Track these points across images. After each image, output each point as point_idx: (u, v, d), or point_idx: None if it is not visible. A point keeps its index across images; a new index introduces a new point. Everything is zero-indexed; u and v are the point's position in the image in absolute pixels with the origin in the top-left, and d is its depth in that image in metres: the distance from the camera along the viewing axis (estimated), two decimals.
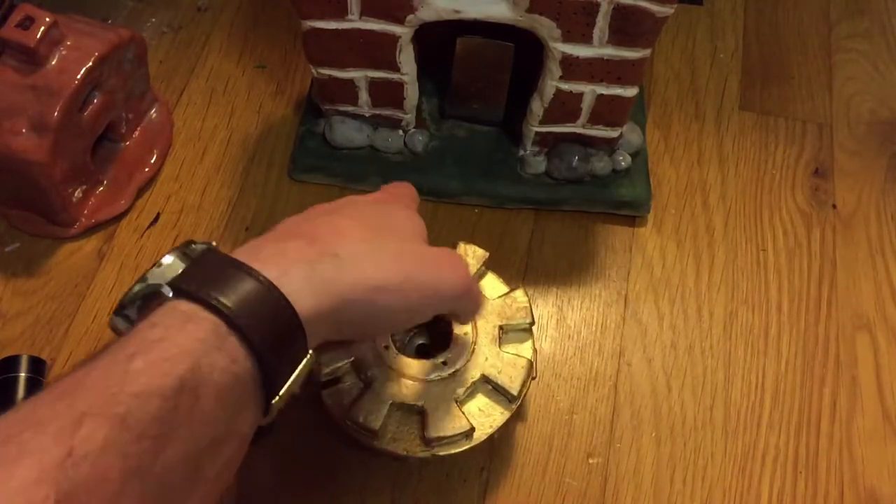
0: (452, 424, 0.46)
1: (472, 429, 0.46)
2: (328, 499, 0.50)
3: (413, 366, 0.47)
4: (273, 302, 0.32)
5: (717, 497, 0.51)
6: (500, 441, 0.52)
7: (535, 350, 0.50)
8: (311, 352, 0.34)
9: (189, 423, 0.29)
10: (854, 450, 0.53)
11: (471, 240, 0.59)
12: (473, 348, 0.48)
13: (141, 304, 0.34)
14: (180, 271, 0.33)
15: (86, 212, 0.59)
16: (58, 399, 0.28)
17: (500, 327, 0.50)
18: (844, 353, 0.57)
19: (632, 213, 0.62)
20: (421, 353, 0.51)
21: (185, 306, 0.31)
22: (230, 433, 0.31)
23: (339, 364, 0.47)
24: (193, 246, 0.36)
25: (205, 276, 0.32)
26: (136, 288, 0.35)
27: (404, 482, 0.51)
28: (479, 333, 0.49)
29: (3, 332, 0.55)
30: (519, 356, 0.48)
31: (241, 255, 0.34)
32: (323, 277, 0.34)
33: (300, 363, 0.34)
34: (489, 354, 0.48)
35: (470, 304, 0.43)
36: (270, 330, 0.31)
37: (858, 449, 0.53)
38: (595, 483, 0.52)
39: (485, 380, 0.48)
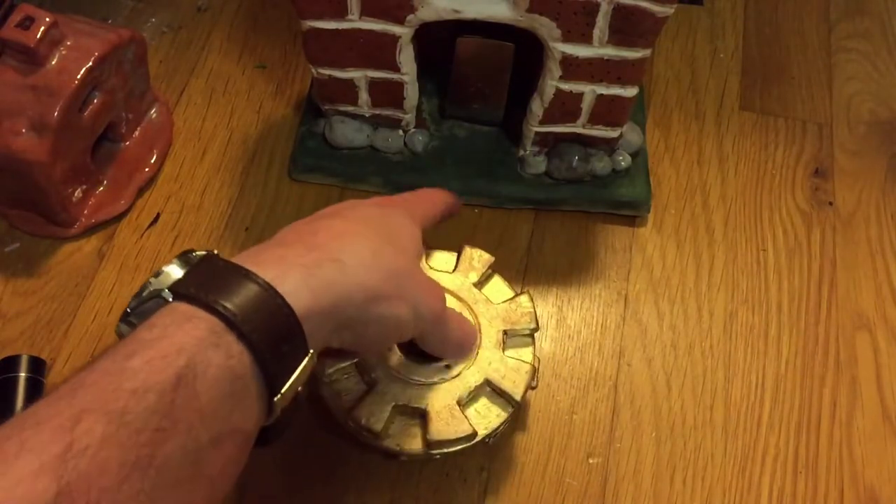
0: (455, 428, 0.46)
1: (475, 433, 0.46)
2: (328, 498, 0.50)
3: (416, 368, 0.47)
4: (269, 300, 0.33)
5: (717, 497, 0.52)
6: (501, 441, 0.52)
7: (536, 357, 0.50)
8: (311, 351, 0.34)
9: (187, 418, 0.29)
10: (854, 450, 0.53)
11: (471, 240, 0.58)
12: (477, 352, 0.48)
13: (143, 310, 0.36)
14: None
15: (86, 212, 0.59)
16: (58, 399, 0.28)
17: (505, 332, 0.49)
18: (844, 353, 0.57)
19: (632, 213, 0.62)
20: (424, 355, 0.51)
21: (184, 307, 0.32)
22: (231, 430, 0.32)
23: (343, 364, 0.47)
24: (193, 254, 0.37)
25: (203, 279, 0.33)
26: (141, 295, 0.36)
27: (404, 482, 0.51)
28: (483, 337, 0.49)
29: (3, 332, 0.55)
30: (523, 361, 0.48)
31: (241, 259, 0.34)
32: (322, 279, 0.35)
33: (301, 362, 0.34)
34: (493, 359, 0.48)
35: (440, 334, 0.44)
36: (268, 327, 0.32)
37: (858, 449, 0.53)
38: (595, 483, 0.52)
39: (487, 384, 0.47)
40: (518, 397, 0.47)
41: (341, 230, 0.38)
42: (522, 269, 0.60)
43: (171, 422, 0.29)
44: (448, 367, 0.48)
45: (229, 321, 0.31)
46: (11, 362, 0.52)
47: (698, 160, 0.66)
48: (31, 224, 0.59)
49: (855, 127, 0.69)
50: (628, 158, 0.61)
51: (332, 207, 0.42)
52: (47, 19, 0.52)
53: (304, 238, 0.37)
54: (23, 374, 0.51)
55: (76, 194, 0.58)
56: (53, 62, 0.53)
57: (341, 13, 0.52)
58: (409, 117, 0.61)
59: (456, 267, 0.52)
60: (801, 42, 0.74)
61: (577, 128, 0.58)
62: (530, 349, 0.50)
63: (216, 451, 0.31)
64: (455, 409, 0.46)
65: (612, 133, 0.59)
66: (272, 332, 0.32)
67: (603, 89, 0.55)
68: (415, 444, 0.46)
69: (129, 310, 0.36)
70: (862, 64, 0.73)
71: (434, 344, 0.45)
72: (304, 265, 0.35)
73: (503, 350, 0.49)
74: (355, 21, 0.52)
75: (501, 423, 0.47)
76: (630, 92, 0.55)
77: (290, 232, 0.38)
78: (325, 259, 0.35)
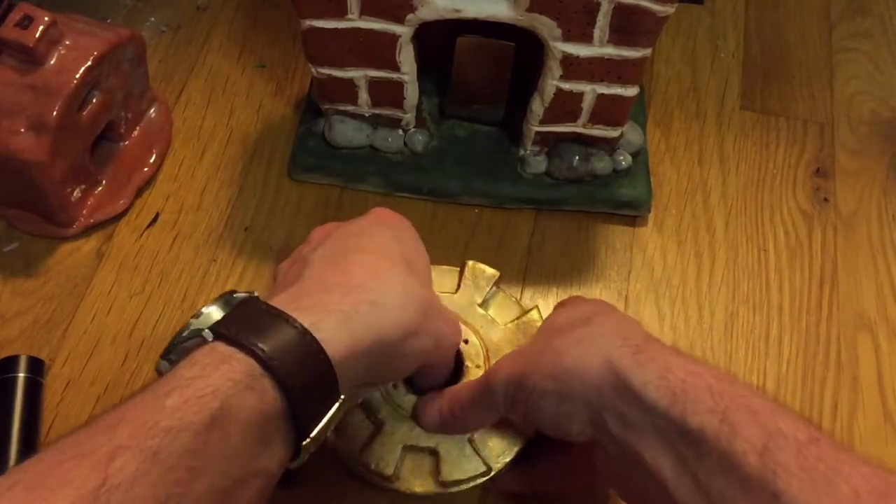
0: (468, 466, 0.44)
1: (489, 470, 0.44)
2: (327, 499, 0.50)
3: None
4: (306, 346, 0.33)
5: None
6: None
7: None
8: (343, 397, 0.35)
9: (219, 458, 0.30)
10: (855, 450, 0.53)
11: (471, 240, 0.58)
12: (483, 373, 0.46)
13: (184, 348, 0.37)
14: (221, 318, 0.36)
15: (85, 211, 0.59)
16: (99, 432, 0.30)
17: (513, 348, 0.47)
18: (846, 354, 0.57)
19: (632, 213, 0.62)
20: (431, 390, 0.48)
21: (223, 348, 0.33)
22: (258, 470, 0.33)
23: (353, 415, 0.45)
24: (235, 295, 0.38)
25: (243, 321, 0.34)
26: (181, 334, 0.37)
27: None
28: (493, 363, 0.46)
29: (2, 332, 0.55)
30: None
31: (281, 303, 0.35)
32: (360, 323, 0.36)
33: (332, 406, 0.35)
34: None
35: (447, 363, 0.45)
36: (302, 372, 0.33)
37: (859, 449, 0.53)
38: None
39: None
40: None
41: (374, 267, 0.38)
42: (523, 269, 0.60)
43: (203, 462, 0.30)
44: None
45: (265, 364, 0.32)
46: (10, 362, 0.52)
47: (699, 160, 0.66)
48: (29, 224, 0.59)
49: (856, 126, 0.68)
50: (629, 158, 0.61)
51: (349, 230, 0.42)
52: (46, 18, 0.51)
53: (341, 279, 0.37)
54: (21, 375, 0.51)
55: (75, 194, 0.58)
56: (52, 62, 0.52)
57: (341, 12, 0.52)
58: (409, 117, 0.60)
59: (459, 286, 0.50)
60: (802, 41, 0.74)
61: (577, 127, 0.58)
62: None
63: (241, 490, 0.32)
64: (466, 446, 0.44)
65: (612, 133, 0.59)
66: (307, 377, 0.33)
67: (603, 89, 0.55)
68: (427, 486, 0.45)
69: (170, 347, 0.37)
70: (863, 63, 0.72)
71: (436, 374, 0.45)
72: (343, 310, 0.35)
73: None
74: (355, 20, 0.52)
75: (517, 454, 0.45)
76: (630, 91, 0.55)
77: (327, 270, 0.38)
78: (362, 302, 0.36)
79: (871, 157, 0.67)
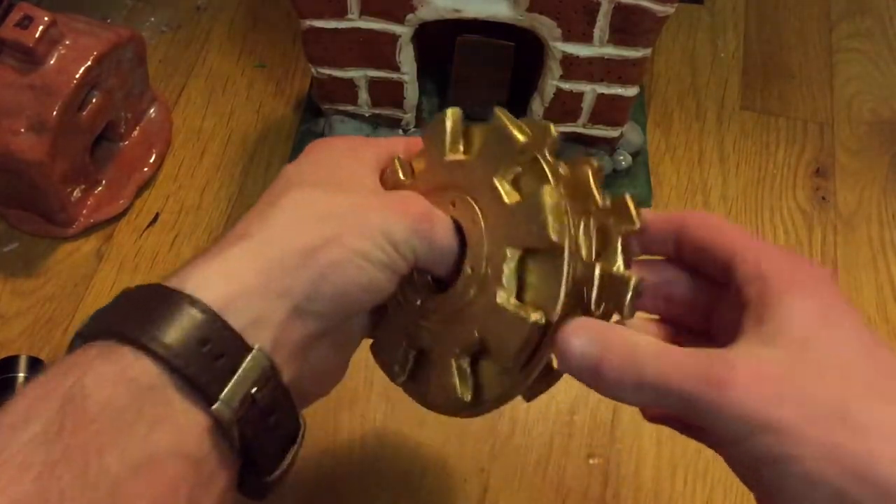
0: (517, 329, 0.32)
1: (546, 318, 0.31)
2: (327, 500, 0.50)
3: (447, 299, 0.35)
4: (165, 299, 0.29)
5: (717, 498, 0.51)
6: (501, 441, 0.52)
7: (554, 171, 0.35)
8: (255, 346, 0.29)
9: (83, 445, 0.26)
10: None
11: None
12: (483, 223, 0.35)
13: None
14: None
15: (84, 211, 0.59)
16: None
17: (497, 174, 0.36)
18: None
19: None
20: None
21: (85, 344, 0.29)
22: (155, 454, 0.27)
23: (407, 354, 0.37)
24: None
25: (106, 312, 0.30)
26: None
27: (405, 482, 0.51)
28: (485, 202, 0.35)
29: (2, 333, 0.55)
30: (535, 195, 0.33)
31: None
32: (231, 260, 0.31)
33: (240, 361, 0.29)
34: (500, 215, 0.34)
35: (437, 245, 0.35)
36: (170, 327, 0.28)
37: None
38: (596, 484, 0.51)
39: (522, 256, 0.33)
40: (555, 237, 0.32)
41: (258, 209, 0.33)
42: None
43: (64, 451, 0.25)
44: (472, 270, 0.34)
45: (120, 334, 0.28)
46: (10, 363, 0.51)
47: (699, 160, 0.66)
48: (29, 224, 0.59)
49: (856, 126, 0.68)
50: (629, 158, 0.61)
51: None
52: (46, 18, 0.51)
53: (220, 238, 0.32)
54: (21, 375, 0.51)
55: (75, 194, 0.58)
56: (52, 62, 0.52)
57: (341, 12, 0.52)
58: (408, 117, 0.60)
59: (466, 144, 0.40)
60: (802, 41, 0.74)
61: (577, 127, 0.58)
62: (545, 169, 0.36)
63: (139, 480, 0.26)
64: (507, 305, 0.32)
65: (612, 133, 0.59)
66: (179, 332, 0.28)
67: (603, 88, 0.55)
68: (504, 385, 0.34)
69: None
70: (863, 63, 0.72)
71: (434, 261, 0.35)
72: (209, 258, 0.31)
73: (509, 201, 0.35)
74: (355, 20, 0.52)
75: (565, 286, 0.31)
76: (630, 91, 0.55)
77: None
78: (231, 243, 0.31)
79: (871, 157, 0.67)
